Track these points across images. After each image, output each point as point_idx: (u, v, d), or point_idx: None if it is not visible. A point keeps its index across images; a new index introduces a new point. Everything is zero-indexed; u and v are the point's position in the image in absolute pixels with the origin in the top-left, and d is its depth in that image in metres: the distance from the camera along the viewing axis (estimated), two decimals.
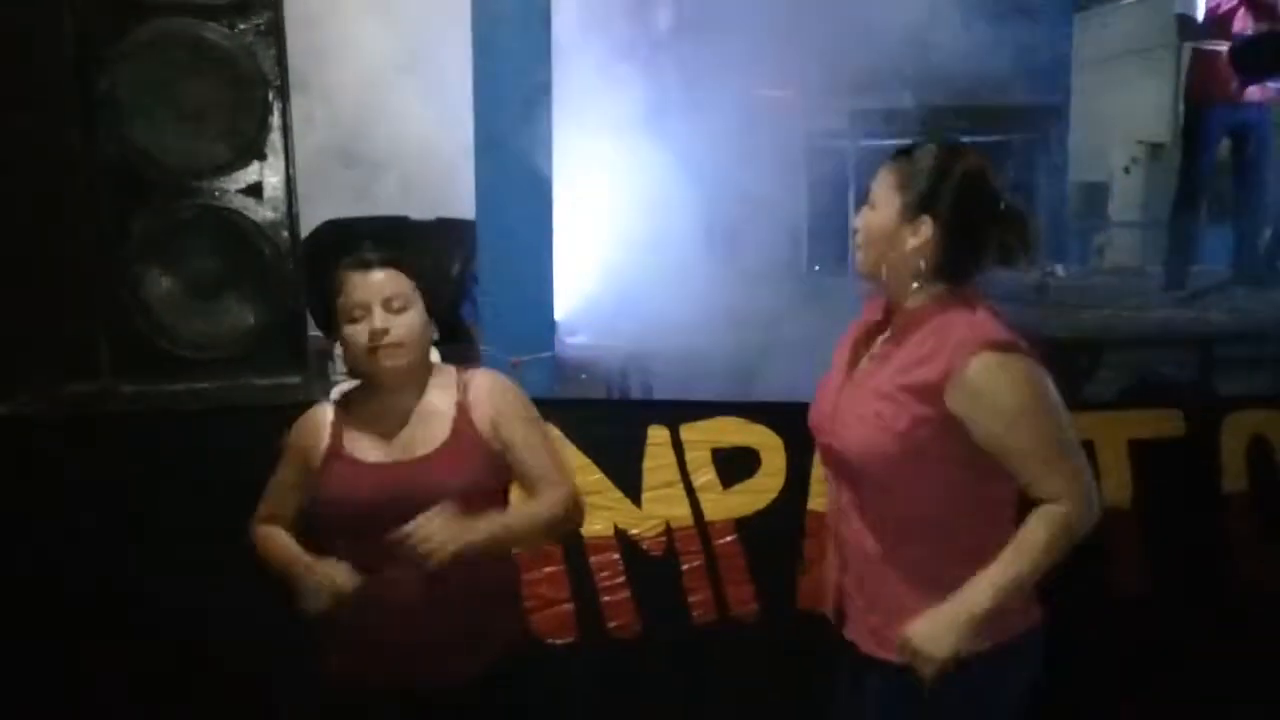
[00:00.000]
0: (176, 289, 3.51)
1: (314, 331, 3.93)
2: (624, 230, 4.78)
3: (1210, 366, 4.31)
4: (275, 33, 3.47)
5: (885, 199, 2.10)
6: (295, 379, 3.56)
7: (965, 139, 5.77)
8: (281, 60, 3.48)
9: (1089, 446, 3.43)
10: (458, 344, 3.76)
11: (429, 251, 4.31)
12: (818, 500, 3.40)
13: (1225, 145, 5.28)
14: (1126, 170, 8.98)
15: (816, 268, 5.72)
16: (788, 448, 3.41)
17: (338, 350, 3.74)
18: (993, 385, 1.96)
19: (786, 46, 5.69)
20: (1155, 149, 8.74)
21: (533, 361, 3.89)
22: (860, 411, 2.12)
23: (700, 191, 4.74)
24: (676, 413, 3.44)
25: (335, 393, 3.20)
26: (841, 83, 5.84)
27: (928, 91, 6.15)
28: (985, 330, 2.03)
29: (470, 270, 4.20)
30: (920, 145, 2.09)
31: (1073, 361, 4.44)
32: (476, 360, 3.82)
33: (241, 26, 3.45)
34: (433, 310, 2.34)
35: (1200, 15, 5.18)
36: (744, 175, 5.08)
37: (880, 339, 2.19)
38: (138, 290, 3.46)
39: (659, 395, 4.06)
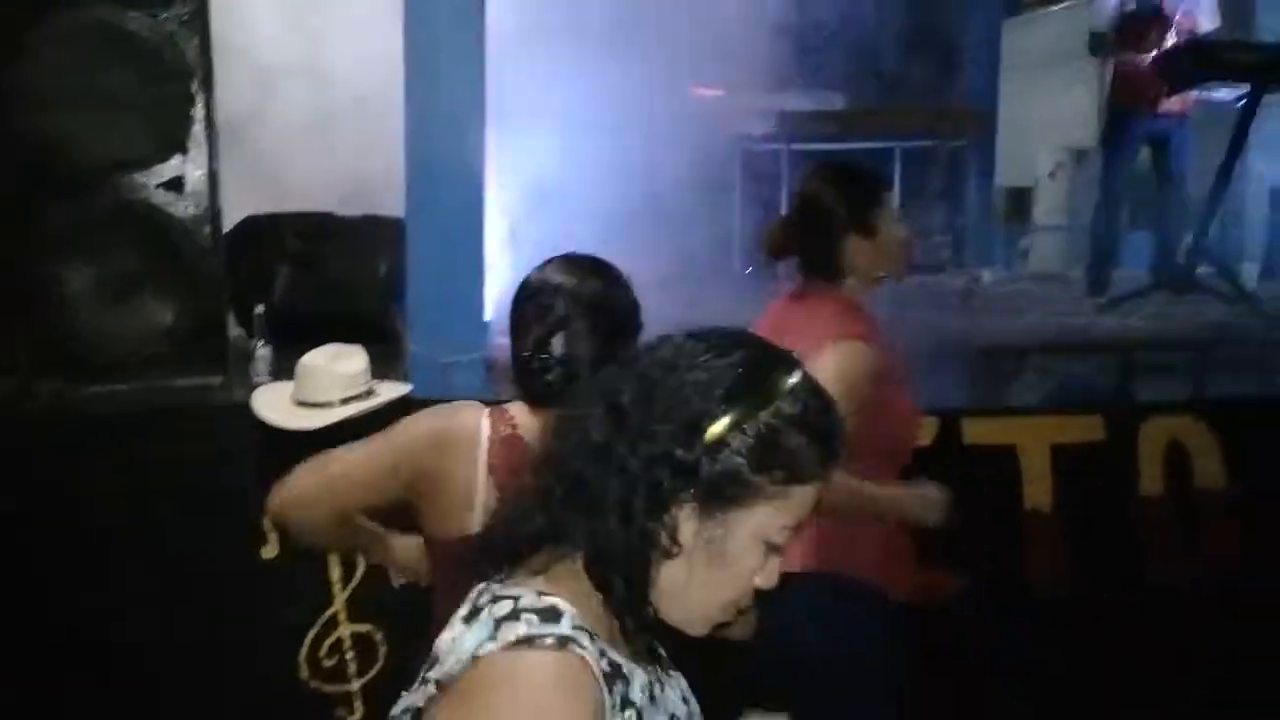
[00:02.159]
0: (94, 286, 3.41)
1: (235, 330, 3.88)
2: (557, 230, 4.74)
3: (1130, 372, 4.40)
4: (199, 22, 3.39)
5: None
6: (217, 380, 3.48)
7: (894, 144, 5.86)
8: (206, 51, 3.40)
9: (1011, 451, 3.55)
10: (385, 345, 3.70)
11: (355, 249, 4.24)
12: None
13: (1147, 152, 5.40)
14: (1051, 175, 9.14)
15: (749, 270, 5.73)
16: None
17: (259, 350, 3.71)
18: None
19: (718, 46, 5.71)
20: (1080, 154, 8.90)
21: (463, 363, 3.83)
22: None
23: (633, 191, 4.72)
24: None
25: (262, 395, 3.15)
26: (772, 83, 5.87)
27: (858, 94, 6.22)
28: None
29: (399, 269, 4.13)
30: None
31: (998, 367, 4.51)
32: (403, 361, 3.76)
33: (164, 15, 3.36)
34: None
35: (1111, 29, 5.29)
36: (677, 176, 5.08)
37: None
38: (54, 287, 3.36)
39: None
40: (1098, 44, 5.39)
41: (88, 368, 3.40)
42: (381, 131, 4.01)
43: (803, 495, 1.09)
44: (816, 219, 2.34)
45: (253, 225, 4.20)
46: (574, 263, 1.92)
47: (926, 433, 3.48)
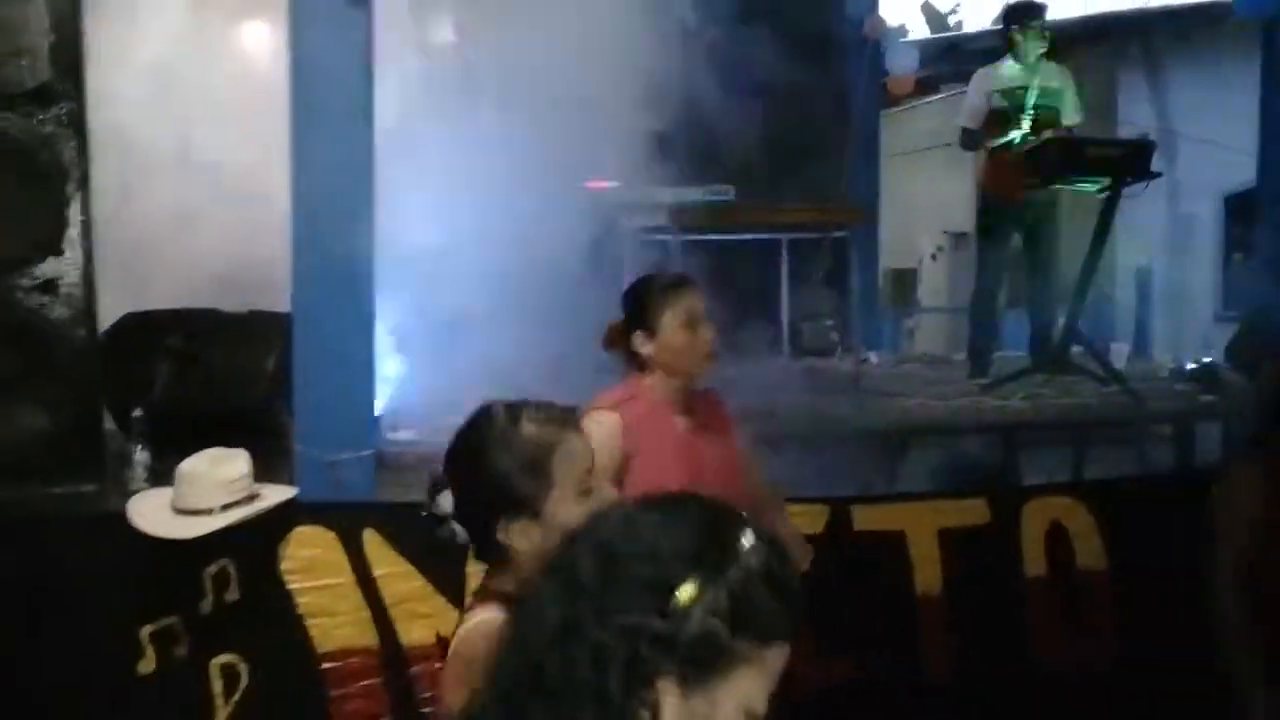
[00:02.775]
0: None
1: (113, 433, 3.75)
2: (448, 318, 4.73)
3: (1012, 453, 4.54)
4: (76, 123, 3.34)
5: None
6: (93, 486, 3.36)
7: (781, 235, 5.97)
8: (83, 152, 3.34)
9: (899, 537, 3.61)
10: (270, 443, 3.62)
11: (239, 345, 4.16)
12: None
13: (1018, 238, 5.62)
14: (933, 258, 9.49)
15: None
16: None
17: (137, 454, 3.60)
18: None
19: (609, 141, 5.80)
20: (959, 238, 9.26)
21: (351, 460, 3.76)
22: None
23: (524, 280, 4.73)
24: None
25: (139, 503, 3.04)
26: (663, 178, 5.98)
27: (747, 186, 6.37)
28: None
29: (285, 365, 4.05)
30: None
31: (885, 450, 4.60)
32: (290, 460, 3.68)
33: (40, 116, 3.30)
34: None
35: (980, 124, 5.53)
36: (569, 264, 5.10)
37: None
38: None
39: None
40: (967, 139, 5.62)
41: None
42: (266, 223, 3.98)
43: (776, 656, 1.04)
44: (623, 319, 2.66)
45: (131, 323, 4.11)
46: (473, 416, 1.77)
47: (816, 520, 3.55)
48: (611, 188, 5.80)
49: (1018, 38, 5.48)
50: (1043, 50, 5.49)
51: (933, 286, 9.48)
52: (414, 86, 4.60)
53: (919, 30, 10.27)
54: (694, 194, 6.17)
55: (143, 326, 4.07)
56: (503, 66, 5.38)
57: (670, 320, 2.54)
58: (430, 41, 5.00)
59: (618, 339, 2.63)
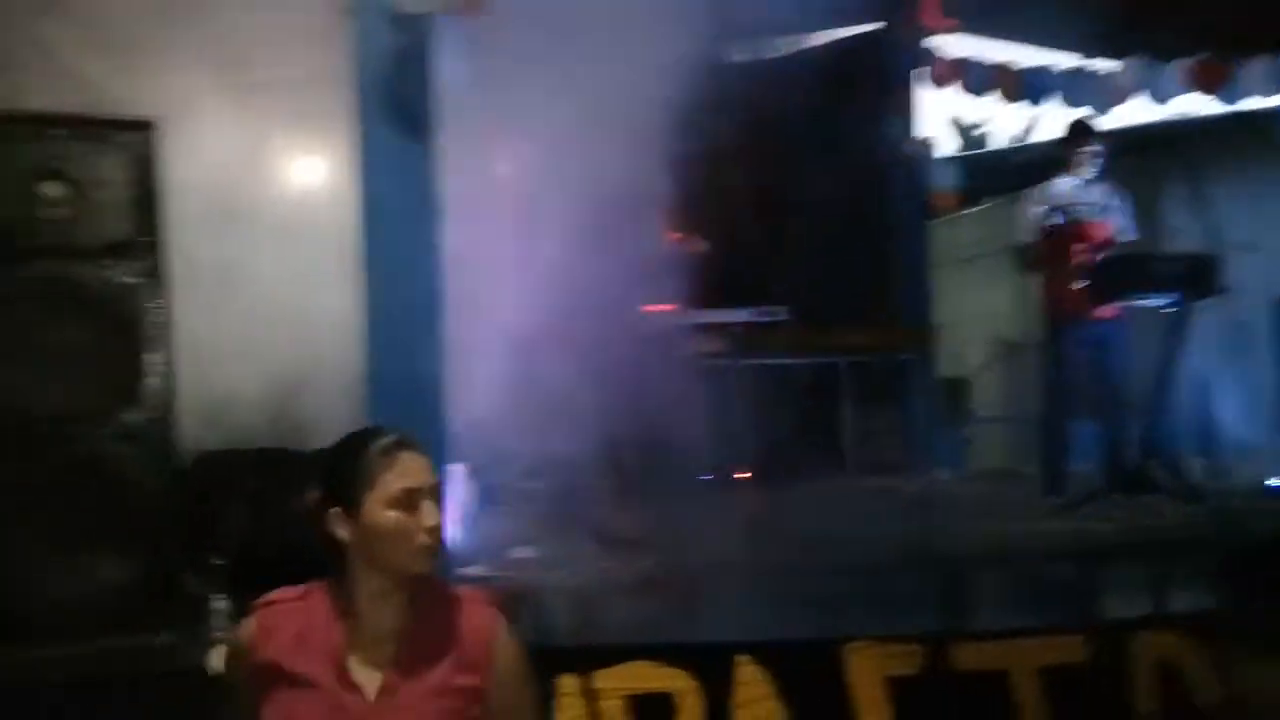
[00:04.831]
0: (40, 544, 3.23)
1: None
2: (522, 458, 4.69)
3: (1095, 578, 4.38)
4: (154, 273, 3.35)
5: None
6: (170, 637, 3.28)
7: (843, 359, 5.93)
8: (161, 300, 3.34)
9: (1001, 677, 3.46)
10: None
11: (310, 485, 4.10)
12: None
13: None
14: (986, 367, 9.36)
15: (697, 480, 5.71)
16: (705, 691, 3.29)
17: (217, 604, 3.53)
18: None
19: (665, 259, 5.84)
20: (1010, 346, 9.15)
21: None
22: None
23: (599, 411, 4.70)
24: (588, 658, 3.29)
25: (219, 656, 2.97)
26: (716, 300, 6.00)
27: (799, 306, 6.36)
28: None
29: None
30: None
31: (960, 577, 4.45)
32: None
33: (119, 268, 3.32)
34: None
35: (1035, 243, 5.50)
36: (629, 391, 5.07)
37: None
38: None
39: (558, 635, 3.88)
40: (1023, 257, 5.58)
41: (32, 629, 3.18)
42: (333, 361, 4.00)
43: None
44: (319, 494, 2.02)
45: (203, 465, 4.06)
46: None
47: (911, 660, 3.42)
48: (667, 312, 5.81)
49: (1076, 156, 5.49)
50: (1097, 169, 5.51)
51: (986, 396, 9.34)
52: (481, 223, 4.64)
53: (951, 143, 10.41)
54: (743, 315, 6.18)
55: (215, 468, 4.02)
56: (557, 187, 5.46)
57: (378, 495, 1.91)
58: (492, 180, 5.07)
59: (310, 517, 2.00)
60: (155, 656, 3.23)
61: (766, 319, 5.96)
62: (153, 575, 3.32)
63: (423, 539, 1.92)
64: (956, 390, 9.35)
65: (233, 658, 2.02)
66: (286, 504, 4.11)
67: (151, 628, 3.28)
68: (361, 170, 4.04)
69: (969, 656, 3.43)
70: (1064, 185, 5.53)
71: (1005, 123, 10.69)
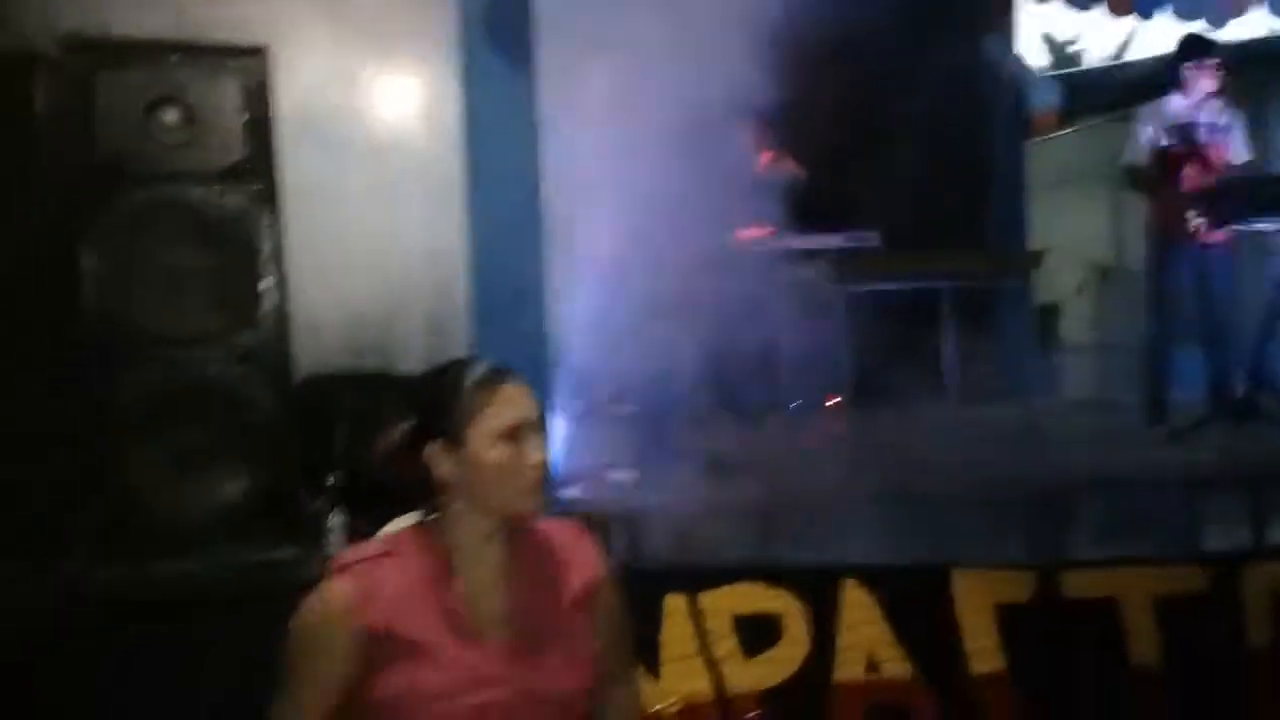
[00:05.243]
0: (161, 463, 3.33)
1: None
2: (620, 380, 4.70)
3: (1203, 509, 4.29)
4: (270, 197, 3.38)
5: None
6: (290, 552, 3.37)
7: (943, 284, 5.80)
8: (275, 225, 3.39)
9: (1111, 604, 3.41)
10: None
11: (397, 418, 4.16)
12: (844, 670, 3.30)
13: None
14: (1078, 291, 9.15)
15: (792, 406, 5.69)
16: (812, 614, 3.31)
17: (333, 520, 3.61)
18: None
19: (757, 183, 5.76)
20: (1104, 271, 8.93)
21: None
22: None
23: (694, 335, 4.68)
24: (694, 579, 3.33)
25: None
26: (809, 224, 5.91)
27: (894, 230, 6.25)
28: None
29: None
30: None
31: (1065, 507, 4.39)
32: None
33: (234, 193, 3.35)
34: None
35: (1146, 162, 5.32)
36: (726, 316, 5.05)
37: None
38: (121, 465, 3.28)
39: (659, 557, 3.92)
40: (1133, 179, 5.40)
41: (153, 546, 3.29)
42: (437, 283, 4.03)
43: None
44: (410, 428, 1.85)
45: (309, 386, 4.14)
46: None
47: (1022, 588, 3.40)
48: (764, 237, 5.75)
49: (1189, 73, 5.27)
50: (1212, 88, 5.29)
51: (1077, 323, 9.14)
52: (576, 143, 4.60)
53: (1045, 61, 10.08)
54: (837, 239, 6.08)
55: (320, 389, 4.10)
56: (651, 108, 5.41)
57: (482, 429, 1.77)
58: (588, 100, 5.01)
59: (398, 452, 1.83)
60: (275, 571, 3.32)
61: (860, 244, 5.85)
62: (270, 493, 3.41)
63: (530, 475, 1.78)
64: (1047, 317, 9.18)
65: (324, 626, 1.72)
66: (382, 425, 4.23)
67: (270, 544, 3.38)
68: (462, 91, 4.03)
69: (1080, 584, 3.40)
70: (1176, 104, 5.32)
71: (1099, 40, 10.33)
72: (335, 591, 1.74)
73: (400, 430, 1.84)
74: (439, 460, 1.78)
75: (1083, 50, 10.51)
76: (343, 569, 1.76)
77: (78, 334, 3.27)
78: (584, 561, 1.90)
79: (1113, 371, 7.44)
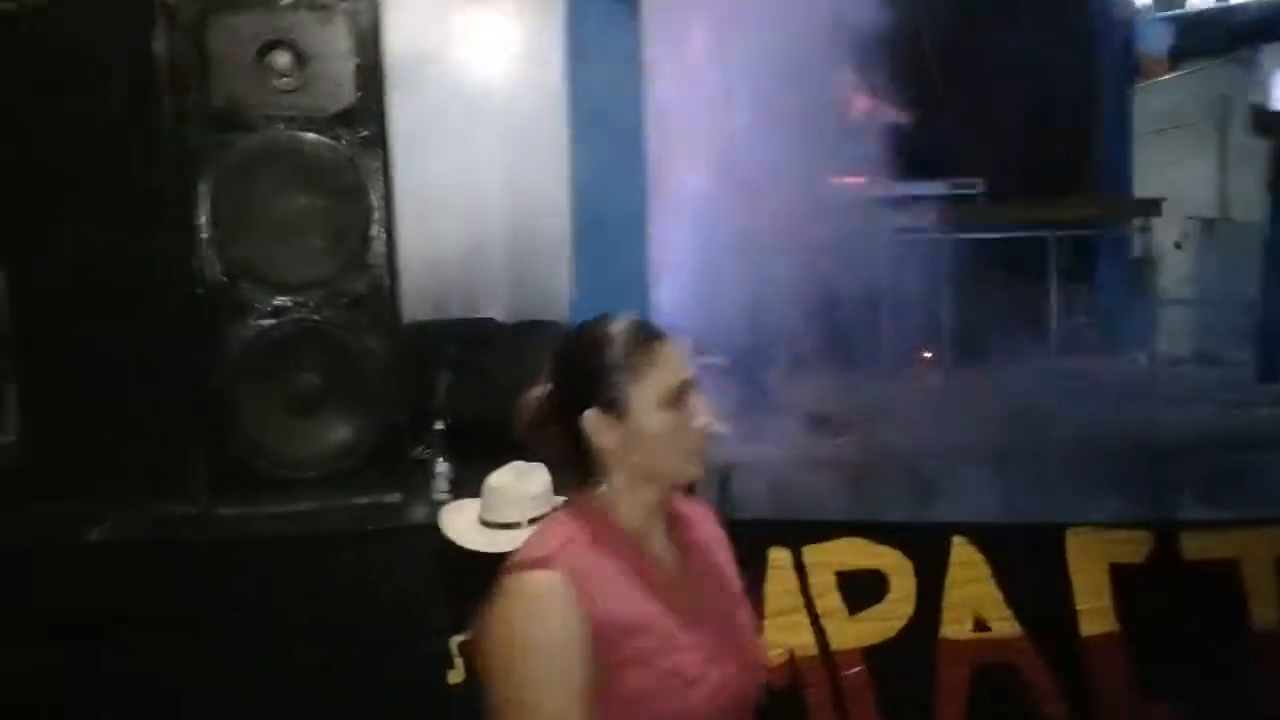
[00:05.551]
0: (274, 406, 3.38)
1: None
2: (719, 333, 4.65)
3: None
4: (380, 144, 3.38)
5: None
6: (397, 497, 3.41)
7: (1049, 233, 5.64)
8: (386, 171, 3.38)
9: (1233, 566, 3.32)
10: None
11: (518, 355, 4.16)
12: (950, 628, 3.26)
13: None
14: (1178, 246, 8.84)
15: (881, 357, 5.59)
16: (917, 571, 3.27)
17: (439, 466, 3.64)
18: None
19: (855, 127, 5.65)
20: (1206, 224, 8.59)
21: None
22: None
23: (793, 285, 4.62)
24: (798, 533, 3.30)
25: (450, 515, 3.07)
26: (907, 169, 5.77)
27: (996, 178, 6.08)
28: None
29: None
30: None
31: (1192, 465, 4.25)
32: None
33: (345, 138, 3.35)
34: None
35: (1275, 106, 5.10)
36: (824, 268, 4.97)
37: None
38: (235, 408, 3.34)
39: (762, 509, 3.90)
40: (1262, 120, 5.18)
41: (268, 489, 3.35)
42: (542, 231, 4.01)
43: None
44: (559, 395, 1.71)
45: (412, 332, 4.16)
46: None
47: (1140, 548, 3.31)
48: (862, 183, 5.63)
49: None
50: None
51: (1177, 277, 8.84)
52: (673, 84, 4.53)
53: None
54: (939, 188, 5.94)
55: (422, 336, 4.11)
56: (749, 63, 5.30)
57: (645, 392, 1.64)
58: (690, 43, 4.93)
59: (547, 420, 1.71)
60: (384, 514, 3.37)
61: (964, 191, 5.71)
62: (380, 438, 3.44)
63: (696, 439, 1.66)
64: (1144, 270, 8.89)
65: (554, 623, 1.55)
66: (484, 372, 4.24)
67: (380, 487, 3.42)
68: (566, 32, 3.97)
69: (1198, 545, 3.30)
70: None
71: None
72: (548, 584, 1.56)
73: (545, 394, 1.72)
74: (597, 429, 1.64)
75: None
76: (539, 562, 1.58)
77: (193, 279, 3.31)
78: (722, 538, 1.85)
79: (1211, 328, 7.18)
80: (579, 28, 4.00)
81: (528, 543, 1.67)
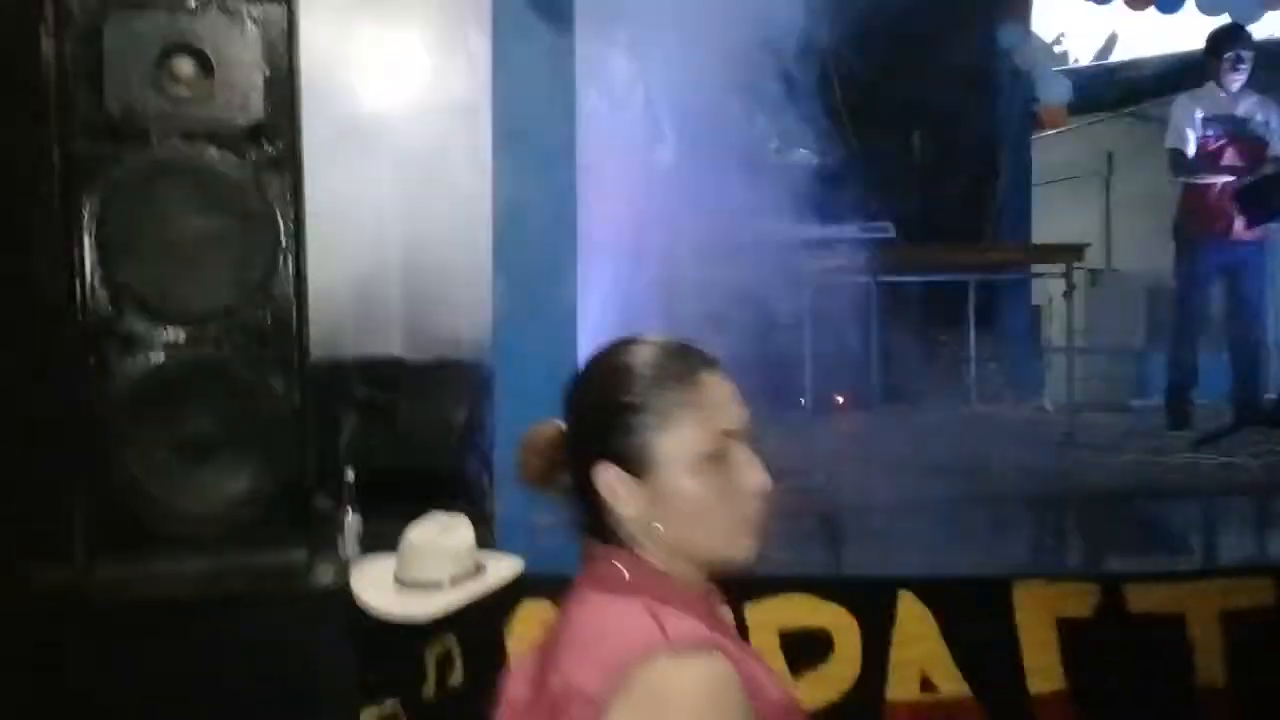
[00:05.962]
0: (164, 452, 3.03)
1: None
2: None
3: (1254, 518, 4.16)
4: (290, 162, 3.09)
5: None
6: (302, 553, 3.10)
7: (970, 277, 5.62)
8: (297, 193, 3.09)
9: (1178, 621, 3.25)
10: (468, 506, 3.34)
11: (431, 397, 3.90)
12: (897, 689, 3.11)
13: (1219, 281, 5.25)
14: (1066, 295, 9.07)
15: (801, 401, 5.50)
16: (863, 629, 3.10)
17: (348, 519, 3.34)
18: None
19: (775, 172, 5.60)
20: (1093, 274, 8.85)
21: (557, 526, 3.48)
22: None
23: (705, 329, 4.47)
24: (741, 590, 3.10)
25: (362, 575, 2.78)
26: (822, 215, 5.72)
27: (907, 224, 6.08)
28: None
29: (477, 418, 3.79)
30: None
31: (1101, 514, 4.23)
32: (489, 525, 3.40)
33: (252, 154, 3.06)
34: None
35: (1190, 151, 5.19)
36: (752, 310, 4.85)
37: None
38: (119, 454, 2.98)
39: None
40: (1176, 164, 5.25)
41: (155, 546, 3.00)
42: (470, 280, 3.75)
43: None
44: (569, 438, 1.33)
45: (331, 372, 3.85)
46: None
47: (1084, 601, 3.22)
48: (786, 226, 5.54)
49: (1220, 66, 5.14)
50: (1243, 80, 5.17)
51: (1066, 326, 9.07)
52: (601, 124, 4.36)
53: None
54: (850, 230, 5.89)
55: (327, 376, 3.81)
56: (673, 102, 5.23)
57: (677, 445, 1.24)
58: (610, 77, 4.79)
59: (553, 468, 1.33)
60: (287, 574, 3.06)
61: (875, 235, 5.67)
62: (282, 488, 3.12)
63: (744, 507, 1.24)
64: (1042, 317, 9.08)
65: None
66: (394, 415, 3.96)
67: (282, 543, 3.10)
68: (493, 44, 3.74)
69: (1143, 598, 3.22)
70: (1209, 97, 5.19)
71: (1084, 39, 10.24)
72: (724, 673, 1.16)
73: (555, 434, 1.32)
74: (612, 490, 1.25)
75: (1066, 51, 10.46)
76: (701, 642, 1.17)
77: (76, 309, 2.96)
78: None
79: (1095, 375, 7.31)
80: (504, 40, 3.78)
81: (633, 618, 1.21)
